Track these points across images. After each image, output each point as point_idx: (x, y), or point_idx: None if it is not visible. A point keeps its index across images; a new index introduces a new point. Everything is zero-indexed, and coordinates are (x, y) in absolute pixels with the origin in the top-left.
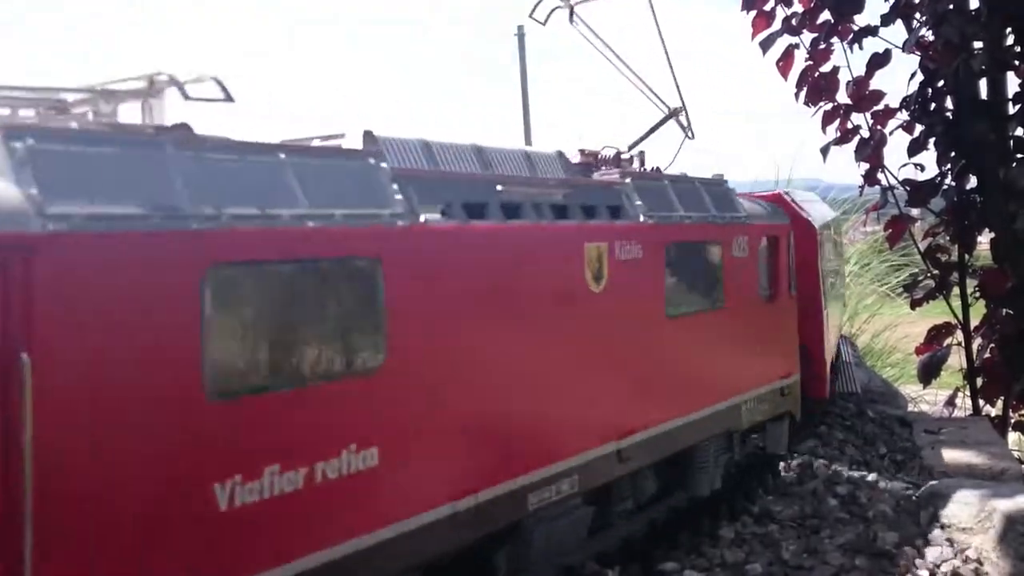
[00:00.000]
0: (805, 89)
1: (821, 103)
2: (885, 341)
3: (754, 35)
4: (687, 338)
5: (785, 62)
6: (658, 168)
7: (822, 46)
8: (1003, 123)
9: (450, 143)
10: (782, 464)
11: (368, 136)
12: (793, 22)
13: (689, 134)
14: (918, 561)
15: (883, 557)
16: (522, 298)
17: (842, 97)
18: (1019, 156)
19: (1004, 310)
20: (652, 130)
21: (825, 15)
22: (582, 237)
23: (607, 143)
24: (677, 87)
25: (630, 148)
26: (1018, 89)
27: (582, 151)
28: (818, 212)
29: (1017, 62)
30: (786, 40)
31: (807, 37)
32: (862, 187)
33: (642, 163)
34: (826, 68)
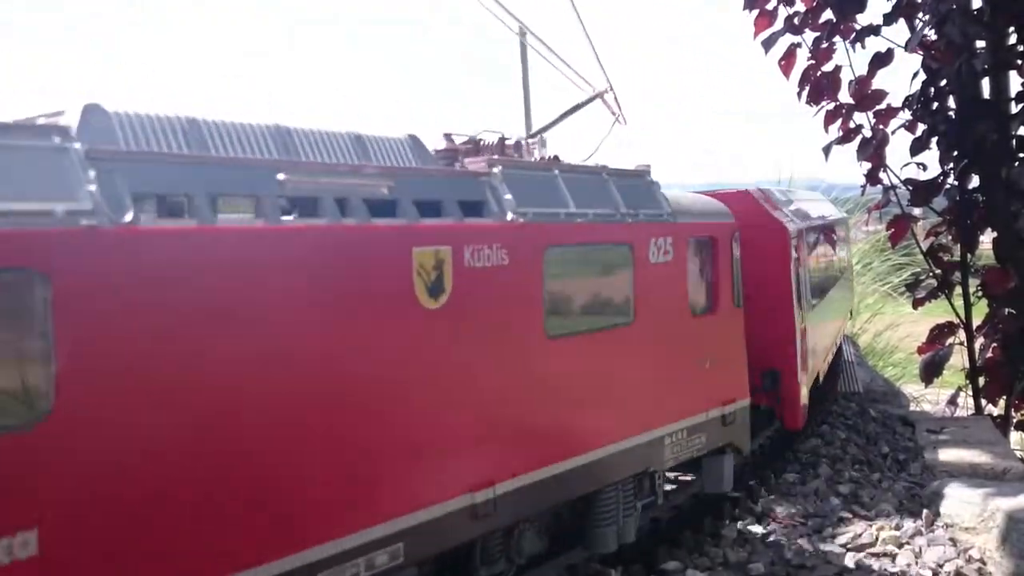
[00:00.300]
0: (807, 88)
1: (823, 102)
2: (887, 340)
3: (756, 34)
4: (578, 362)
5: (787, 61)
6: (555, 157)
7: (824, 45)
8: (1005, 122)
9: (239, 122)
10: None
11: (91, 111)
12: (795, 21)
13: (620, 119)
14: (921, 561)
15: (885, 557)
16: (305, 319)
17: (844, 96)
18: (1021, 156)
19: (1006, 309)
20: (569, 112)
21: (827, 14)
22: (408, 240)
23: (486, 128)
24: (601, 67)
25: (534, 134)
26: (1020, 88)
27: (448, 135)
28: (806, 212)
29: (1020, 61)
30: (788, 39)
31: (809, 36)
32: (864, 186)
33: (543, 150)
34: (828, 67)
